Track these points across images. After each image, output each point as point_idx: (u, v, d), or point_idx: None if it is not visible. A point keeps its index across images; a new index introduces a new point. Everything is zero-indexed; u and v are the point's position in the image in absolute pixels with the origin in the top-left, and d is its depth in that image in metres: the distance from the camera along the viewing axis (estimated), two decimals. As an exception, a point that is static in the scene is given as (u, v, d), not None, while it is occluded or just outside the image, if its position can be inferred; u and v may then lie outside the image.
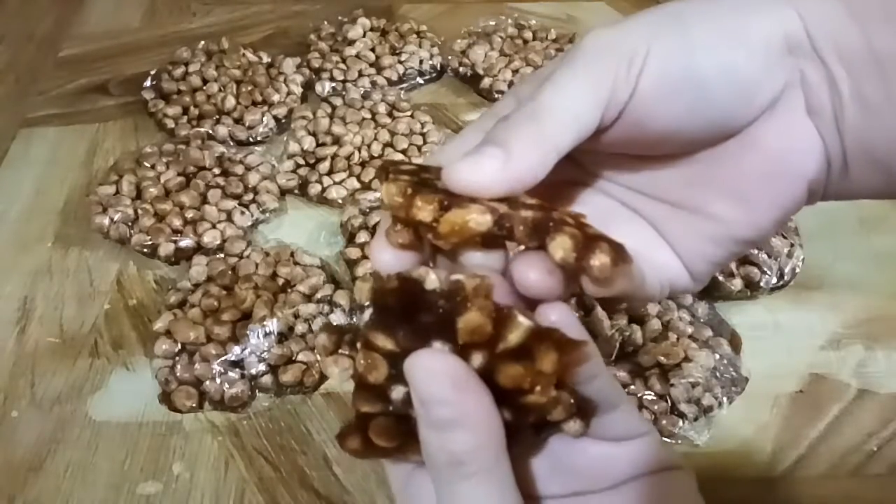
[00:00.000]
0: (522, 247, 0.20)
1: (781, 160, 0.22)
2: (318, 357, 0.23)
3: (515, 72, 0.61)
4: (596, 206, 0.25)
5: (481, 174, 0.19)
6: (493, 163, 0.19)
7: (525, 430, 0.21)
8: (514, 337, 0.18)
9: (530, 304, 0.20)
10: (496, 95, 0.60)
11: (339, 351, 0.22)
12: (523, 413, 0.20)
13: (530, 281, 0.19)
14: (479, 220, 0.19)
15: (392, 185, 0.19)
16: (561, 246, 0.18)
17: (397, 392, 0.20)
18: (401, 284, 0.20)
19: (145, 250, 0.48)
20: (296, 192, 0.53)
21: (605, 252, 0.18)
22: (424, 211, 0.19)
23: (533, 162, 0.19)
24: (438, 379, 0.18)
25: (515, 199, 0.20)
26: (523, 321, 0.18)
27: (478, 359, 0.19)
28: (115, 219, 0.49)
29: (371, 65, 0.62)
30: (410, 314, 0.20)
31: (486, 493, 0.19)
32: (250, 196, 0.51)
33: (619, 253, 0.18)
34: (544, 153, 0.19)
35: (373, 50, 0.63)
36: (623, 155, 0.24)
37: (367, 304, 0.42)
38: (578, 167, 0.25)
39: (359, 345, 0.20)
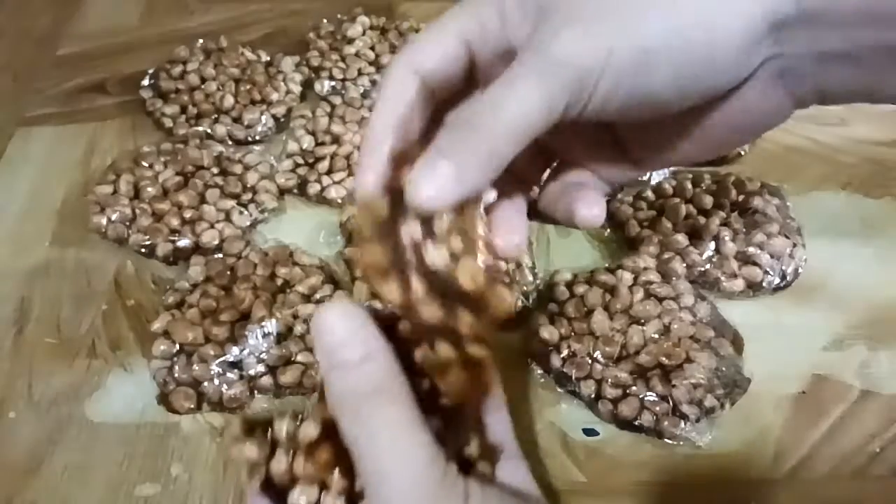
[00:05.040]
0: None
1: (746, 123, 0.24)
2: (227, 441, 0.26)
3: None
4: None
5: (439, 193, 0.21)
6: (446, 182, 0.21)
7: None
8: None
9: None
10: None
11: (253, 435, 0.25)
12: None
13: None
14: None
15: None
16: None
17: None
18: None
19: (143, 250, 0.48)
20: (295, 191, 0.53)
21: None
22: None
23: (481, 177, 0.21)
24: (347, 322, 0.22)
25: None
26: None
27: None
28: (113, 218, 0.49)
29: (371, 63, 0.62)
30: None
31: (401, 414, 0.22)
32: (249, 196, 0.51)
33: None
34: (491, 167, 0.21)
35: (372, 48, 0.63)
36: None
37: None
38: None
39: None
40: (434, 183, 0.20)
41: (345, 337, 0.22)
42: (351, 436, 0.22)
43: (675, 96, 0.22)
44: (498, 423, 0.27)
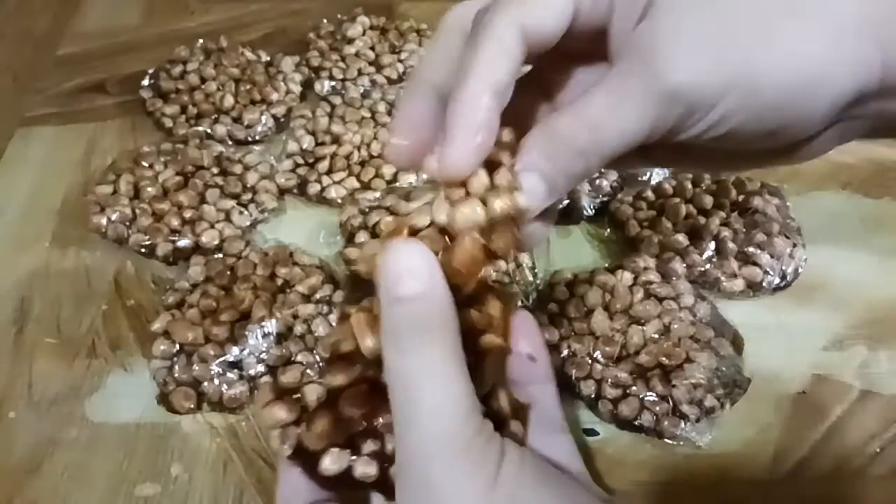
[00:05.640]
0: None
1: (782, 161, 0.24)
2: (258, 403, 0.26)
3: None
4: None
5: (529, 204, 0.22)
6: (537, 195, 0.22)
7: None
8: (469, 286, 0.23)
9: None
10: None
11: (283, 399, 0.25)
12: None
13: None
14: None
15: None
16: None
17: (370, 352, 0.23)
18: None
19: (143, 250, 0.48)
20: (295, 191, 0.53)
21: None
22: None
23: (568, 188, 0.22)
24: (414, 257, 0.21)
25: None
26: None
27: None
28: (113, 218, 0.49)
29: (370, 63, 0.62)
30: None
31: (446, 356, 0.21)
32: (249, 195, 0.51)
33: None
34: (579, 180, 0.22)
35: (372, 48, 0.63)
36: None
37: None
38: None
39: (335, 322, 0.24)
40: (525, 193, 0.21)
41: (408, 270, 0.21)
42: (392, 369, 0.21)
43: (757, 142, 0.21)
44: (545, 395, 0.27)
